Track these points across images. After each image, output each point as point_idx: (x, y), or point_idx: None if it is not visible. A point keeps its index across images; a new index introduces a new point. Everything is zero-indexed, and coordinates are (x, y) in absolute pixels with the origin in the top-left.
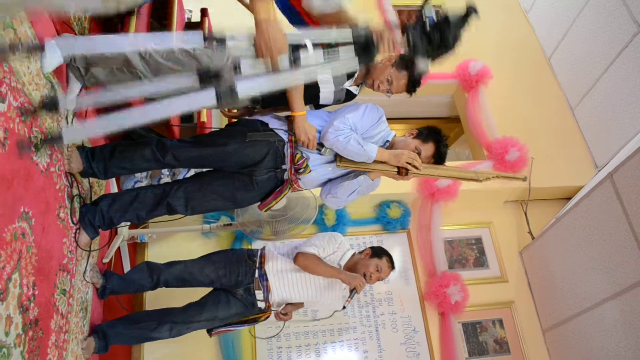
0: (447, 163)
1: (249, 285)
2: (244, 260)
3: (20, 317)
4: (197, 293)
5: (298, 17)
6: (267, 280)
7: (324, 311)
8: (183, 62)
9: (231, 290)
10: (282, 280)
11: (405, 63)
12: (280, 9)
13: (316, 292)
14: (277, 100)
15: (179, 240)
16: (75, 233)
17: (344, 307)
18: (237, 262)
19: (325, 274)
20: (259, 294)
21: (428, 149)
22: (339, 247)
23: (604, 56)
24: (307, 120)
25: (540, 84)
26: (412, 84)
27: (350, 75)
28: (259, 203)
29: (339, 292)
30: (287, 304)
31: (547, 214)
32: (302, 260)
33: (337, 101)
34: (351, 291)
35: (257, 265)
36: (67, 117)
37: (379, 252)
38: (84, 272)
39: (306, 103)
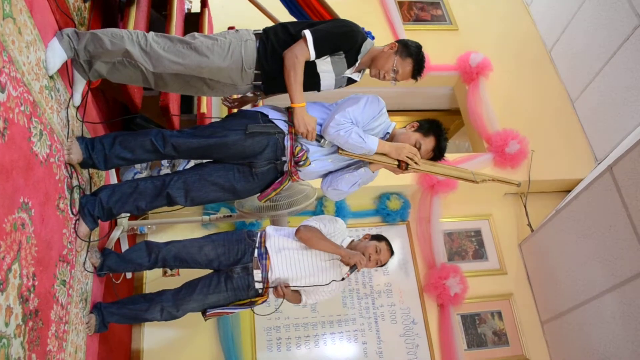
0: (447, 155)
1: (248, 264)
2: (244, 239)
3: (20, 307)
4: (195, 277)
5: (298, 8)
6: (266, 258)
7: (320, 274)
8: (183, 54)
9: (228, 269)
10: (282, 258)
11: (409, 49)
12: (281, 0)
13: (316, 274)
14: (280, 87)
15: (179, 231)
16: (74, 224)
17: (343, 279)
18: (236, 241)
19: (326, 248)
20: (257, 274)
21: (428, 142)
22: (338, 230)
23: (604, 49)
24: (306, 111)
25: (541, 76)
26: (418, 69)
27: (350, 64)
28: (258, 194)
29: (338, 277)
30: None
31: (546, 207)
32: (304, 232)
33: (338, 87)
34: (351, 267)
35: (257, 244)
36: (67, 109)
37: (377, 237)
38: (84, 263)
39: (307, 90)
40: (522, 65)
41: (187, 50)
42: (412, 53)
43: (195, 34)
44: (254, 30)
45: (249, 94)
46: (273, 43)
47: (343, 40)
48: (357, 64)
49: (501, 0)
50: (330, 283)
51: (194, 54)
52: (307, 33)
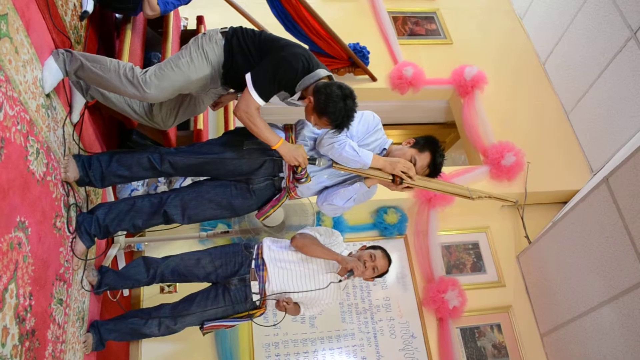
0: (443, 168)
1: (245, 275)
2: (241, 251)
3: (17, 327)
4: (194, 291)
5: (292, 23)
6: (263, 270)
7: (318, 285)
8: (169, 76)
9: (226, 281)
10: (280, 269)
11: (325, 106)
12: (275, 15)
13: (313, 285)
14: (238, 82)
15: (176, 248)
16: (71, 242)
17: (340, 281)
18: (233, 253)
19: (322, 255)
20: (255, 286)
21: (424, 158)
22: (335, 242)
23: (598, 61)
24: (287, 144)
25: (535, 88)
26: (337, 123)
27: (291, 93)
28: (256, 212)
29: (337, 292)
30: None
31: (543, 218)
32: (299, 239)
33: (292, 105)
34: (349, 271)
35: (254, 256)
36: (63, 127)
37: (373, 246)
38: (81, 281)
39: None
40: (516, 77)
41: (171, 71)
42: (329, 112)
43: (170, 57)
44: (222, 29)
45: (227, 92)
46: (235, 47)
47: (282, 78)
48: (296, 95)
49: (494, 13)
50: (329, 285)
51: (179, 71)
52: (249, 83)
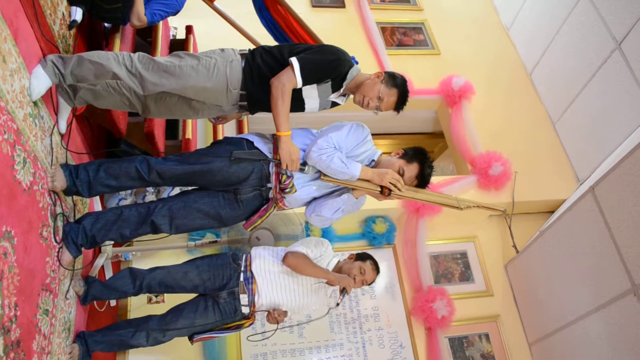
0: (432, 178)
1: (234, 289)
2: (229, 264)
3: (2, 338)
4: (182, 301)
5: (282, 33)
6: (252, 282)
7: (317, 311)
8: (168, 75)
9: (215, 294)
10: (268, 281)
11: (395, 80)
12: (264, 25)
13: (303, 297)
14: (265, 107)
15: (164, 257)
16: (58, 252)
17: (337, 305)
18: (221, 266)
19: (315, 274)
20: (244, 298)
21: (412, 169)
22: (325, 252)
23: (583, 71)
24: (291, 141)
25: (522, 99)
26: (402, 101)
27: (335, 90)
28: (244, 222)
29: (325, 298)
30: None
31: (531, 228)
32: (291, 259)
33: (322, 109)
34: (341, 291)
35: (243, 268)
36: (51, 136)
37: (362, 256)
38: (67, 292)
39: (292, 111)
40: (503, 88)
41: (171, 71)
42: (398, 84)
43: (181, 53)
44: (240, 50)
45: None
46: (259, 65)
47: (330, 69)
48: (342, 90)
49: (482, 25)
50: (328, 312)
51: (179, 74)
52: (294, 61)
